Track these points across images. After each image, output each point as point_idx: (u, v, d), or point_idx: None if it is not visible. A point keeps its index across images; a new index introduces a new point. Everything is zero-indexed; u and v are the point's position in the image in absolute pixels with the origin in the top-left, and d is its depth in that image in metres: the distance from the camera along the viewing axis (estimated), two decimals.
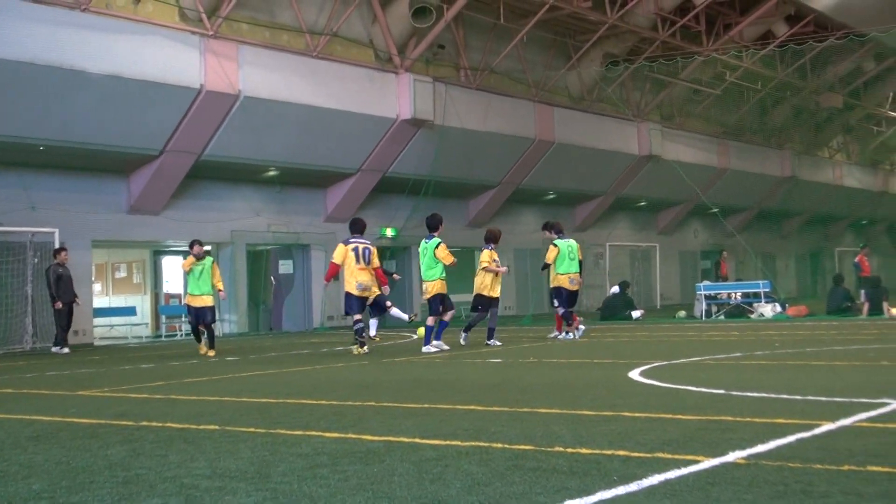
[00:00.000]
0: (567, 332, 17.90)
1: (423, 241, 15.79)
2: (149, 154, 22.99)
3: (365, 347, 15.57)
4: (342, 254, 15.53)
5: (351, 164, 27.10)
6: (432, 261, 15.59)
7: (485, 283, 16.49)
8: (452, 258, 15.71)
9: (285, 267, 28.57)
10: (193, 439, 6.51)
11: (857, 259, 27.37)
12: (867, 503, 3.98)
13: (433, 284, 15.58)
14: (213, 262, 17.47)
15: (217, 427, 7.06)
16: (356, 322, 15.57)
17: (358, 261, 15.49)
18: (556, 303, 17.91)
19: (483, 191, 32.29)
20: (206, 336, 17.36)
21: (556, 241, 17.87)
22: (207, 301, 17.28)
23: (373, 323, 20.29)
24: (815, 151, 48.39)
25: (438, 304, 15.68)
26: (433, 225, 15.93)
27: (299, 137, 25.01)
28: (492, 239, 16.83)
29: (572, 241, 18.15)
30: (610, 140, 34.46)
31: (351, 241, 15.71)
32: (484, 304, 16.56)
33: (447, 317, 15.88)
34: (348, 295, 15.56)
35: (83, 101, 20.73)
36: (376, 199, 29.61)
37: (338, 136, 25.74)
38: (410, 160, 27.95)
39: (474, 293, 16.66)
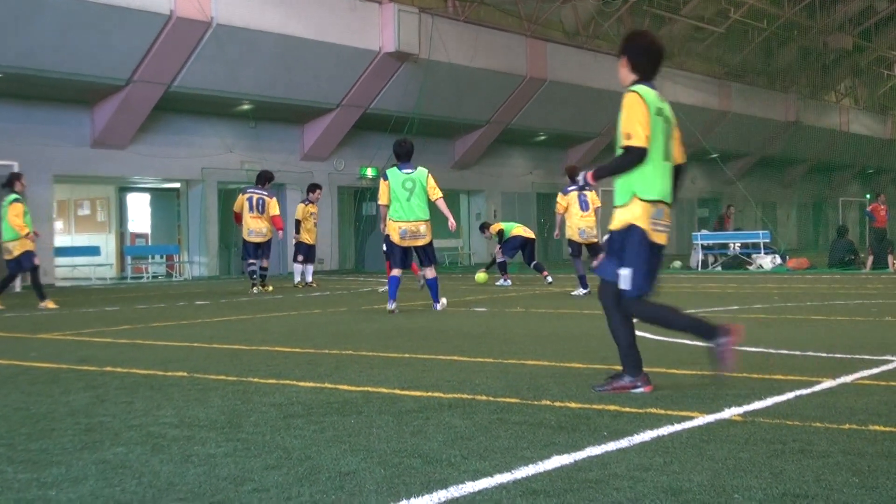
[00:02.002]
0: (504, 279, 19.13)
1: (397, 169, 12.90)
2: (114, 84, 22.78)
3: (254, 289, 18.32)
4: (239, 203, 18.74)
5: (330, 100, 26.94)
6: (424, 195, 12.95)
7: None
8: None
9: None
10: (160, 386, 6.51)
11: (869, 208, 27.47)
12: (868, 463, 4.01)
13: (427, 225, 13.04)
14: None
15: (185, 374, 7.07)
16: (249, 265, 18.66)
17: (252, 209, 18.44)
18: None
19: (470, 130, 32.17)
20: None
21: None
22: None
23: (308, 269, 20.48)
24: (822, 95, 48.37)
25: (430, 250, 13.35)
26: (408, 151, 12.99)
27: (275, 69, 24.82)
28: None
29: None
30: (605, 79, 34.29)
31: (248, 190, 18.76)
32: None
33: (431, 273, 13.40)
34: (244, 241, 18.68)
35: (43, 26, 20.47)
36: (356, 137, 29.49)
37: (316, 68, 25.55)
38: (393, 96, 27.80)
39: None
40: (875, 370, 6.61)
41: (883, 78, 52.22)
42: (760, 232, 26.26)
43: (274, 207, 18.68)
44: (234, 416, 5.36)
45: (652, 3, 34.07)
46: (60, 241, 27.09)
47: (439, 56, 28.05)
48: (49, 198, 23.81)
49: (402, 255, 13.00)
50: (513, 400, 5.69)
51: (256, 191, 18.76)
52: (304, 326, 11.11)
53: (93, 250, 26.75)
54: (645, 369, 6.06)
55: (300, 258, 20.41)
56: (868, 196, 47.77)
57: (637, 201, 5.88)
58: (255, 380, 6.71)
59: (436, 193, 12.98)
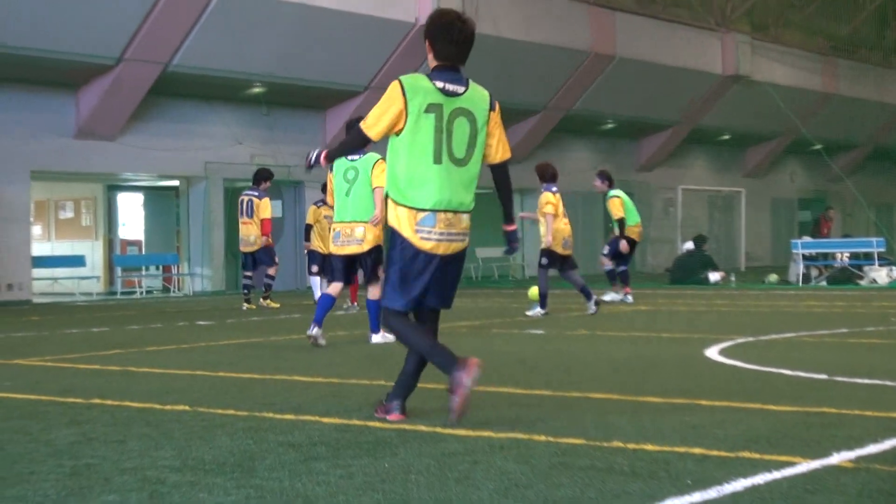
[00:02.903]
0: (625, 295, 19.18)
1: (347, 159, 11.65)
2: (102, 63, 22.99)
3: (244, 305, 19.12)
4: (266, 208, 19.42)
5: (357, 81, 27.03)
6: (368, 188, 11.61)
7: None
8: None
9: (273, 210, 28.59)
10: (158, 422, 6.55)
11: None
12: None
13: (374, 228, 11.61)
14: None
15: (188, 408, 7.11)
16: (242, 277, 19.88)
17: (241, 213, 19.23)
18: (605, 250, 19.69)
19: (523, 117, 32.16)
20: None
21: (615, 192, 19.15)
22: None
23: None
24: None
25: (373, 262, 11.75)
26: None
27: (292, 45, 24.94)
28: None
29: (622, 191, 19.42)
30: (686, 55, 34.17)
31: (243, 192, 19.60)
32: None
33: (378, 290, 11.50)
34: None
35: None
36: None
37: (341, 44, 25.64)
38: None
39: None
40: None
41: None
42: (874, 239, 26.03)
43: (264, 210, 19.24)
44: (246, 459, 5.38)
45: None
46: (39, 249, 27.37)
47: (486, 28, 28.05)
48: (25, 198, 24.06)
49: (342, 267, 11.78)
50: (577, 440, 5.68)
51: (248, 192, 19.49)
52: (326, 351, 11.13)
53: (77, 260, 27.01)
54: (736, 404, 6.03)
55: (314, 269, 20.31)
56: None
57: (393, 205, 6.39)
58: (270, 415, 6.74)
59: (377, 181, 11.41)
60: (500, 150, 6.62)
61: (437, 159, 6.33)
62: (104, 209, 28.94)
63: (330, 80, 26.52)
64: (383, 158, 10.52)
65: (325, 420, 6.49)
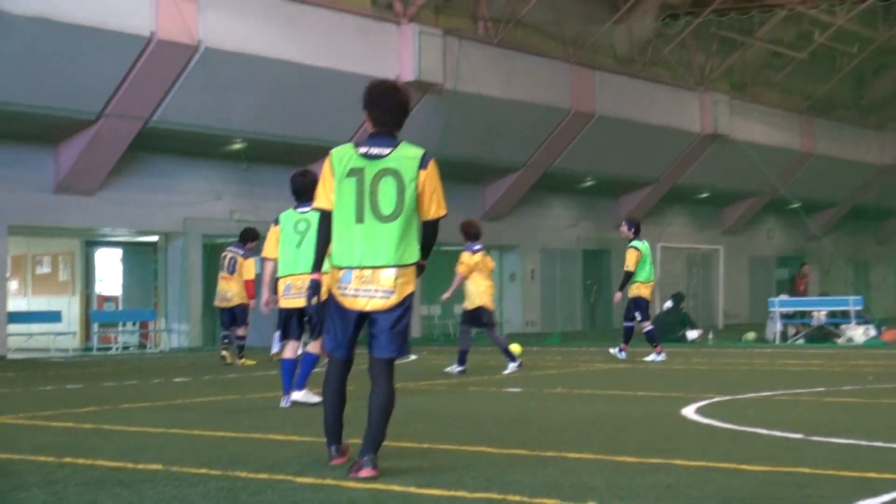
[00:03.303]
0: (658, 354, 18.72)
1: (293, 210, 11.77)
2: (83, 118, 23.00)
3: (223, 352, 19.36)
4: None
5: (338, 138, 26.81)
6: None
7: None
8: None
9: (254, 266, 28.60)
10: (130, 482, 6.51)
11: None
12: None
13: (325, 279, 11.53)
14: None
15: (161, 467, 7.07)
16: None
17: (222, 269, 19.37)
18: (638, 316, 18.62)
19: (503, 174, 32.27)
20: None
21: (636, 243, 18.35)
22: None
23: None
24: None
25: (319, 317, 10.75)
26: (308, 187, 11.28)
27: (273, 101, 25.01)
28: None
29: (646, 242, 18.75)
30: (665, 114, 34.41)
31: (228, 248, 19.76)
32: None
33: (316, 348, 11.19)
34: None
35: (1, 50, 20.75)
36: None
37: (322, 100, 25.74)
38: (413, 133, 27.49)
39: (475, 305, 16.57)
40: None
41: None
42: (851, 297, 26.12)
43: (248, 271, 19.32)
44: None
45: (721, 24, 34.24)
46: (15, 304, 27.21)
47: (467, 86, 28.22)
48: (2, 253, 23.96)
49: (296, 322, 11.37)
50: (552, 500, 5.67)
51: (232, 249, 19.63)
52: (303, 409, 11.09)
53: (53, 316, 26.86)
54: (711, 464, 6.03)
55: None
56: None
57: (328, 263, 6.99)
58: (244, 474, 6.70)
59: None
60: (432, 208, 6.95)
61: (360, 219, 6.81)
62: (82, 264, 28.83)
63: (311, 136, 26.54)
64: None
65: (299, 480, 6.47)
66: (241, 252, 19.42)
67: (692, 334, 26.40)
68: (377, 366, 6.85)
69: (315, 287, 7.12)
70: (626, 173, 35.25)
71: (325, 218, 7.01)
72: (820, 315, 25.80)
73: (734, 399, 11.43)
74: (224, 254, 19.68)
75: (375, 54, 26.25)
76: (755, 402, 11.23)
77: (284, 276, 11.30)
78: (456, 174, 30.50)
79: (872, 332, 24.65)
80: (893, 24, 38.66)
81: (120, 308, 29.04)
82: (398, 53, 26.69)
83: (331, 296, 6.93)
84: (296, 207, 11.56)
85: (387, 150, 6.88)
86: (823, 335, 25.10)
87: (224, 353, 19.41)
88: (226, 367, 18.73)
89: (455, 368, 16.24)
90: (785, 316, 26.14)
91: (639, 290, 18.42)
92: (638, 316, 18.60)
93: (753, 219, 43.27)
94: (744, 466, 6.72)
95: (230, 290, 19.31)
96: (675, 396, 11.73)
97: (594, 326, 36.74)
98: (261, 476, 6.62)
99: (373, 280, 6.76)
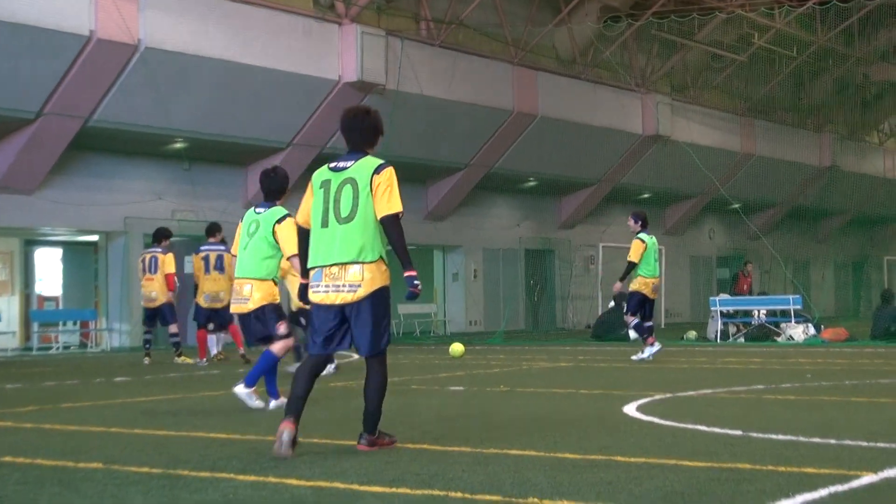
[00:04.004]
0: (645, 350, 18.22)
1: (252, 210, 11.36)
2: (21, 118, 22.78)
3: (145, 359, 19.66)
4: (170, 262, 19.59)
5: (280, 138, 27.01)
6: (270, 245, 10.91)
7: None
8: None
9: (190, 265, 28.43)
10: (70, 481, 6.47)
11: None
12: None
13: (265, 286, 10.92)
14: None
15: (101, 465, 7.03)
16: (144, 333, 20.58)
17: (144, 270, 19.55)
18: (625, 307, 18.39)
19: (446, 175, 32.32)
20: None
21: (643, 236, 17.99)
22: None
23: (216, 338, 20.46)
24: (862, 136, 48.89)
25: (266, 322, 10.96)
26: (277, 187, 11.35)
27: (214, 102, 24.90)
28: None
29: (654, 238, 18.35)
30: (607, 115, 34.59)
31: (144, 252, 20.10)
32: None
33: (282, 348, 10.92)
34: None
35: None
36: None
37: (263, 101, 25.65)
38: None
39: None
40: None
41: None
42: (790, 297, 26.33)
43: (168, 265, 19.60)
44: None
45: (662, 26, 34.46)
46: None
47: (410, 87, 28.23)
48: None
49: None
50: (493, 497, 5.68)
51: (150, 250, 19.95)
52: (245, 407, 11.04)
53: None
54: (652, 460, 6.07)
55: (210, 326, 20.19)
56: None
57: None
58: (185, 472, 6.67)
59: (289, 248, 10.53)
60: (382, 206, 7.57)
61: (325, 223, 7.61)
62: (21, 264, 28.55)
63: (252, 137, 26.47)
64: (291, 215, 10.40)
65: (241, 478, 6.44)
66: (161, 250, 19.67)
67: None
68: (367, 361, 7.71)
69: (303, 290, 7.79)
70: (569, 174, 35.41)
71: (301, 232, 7.87)
72: (760, 314, 26.03)
73: (675, 397, 11.51)
74: (143, 256, 19.93)
75: (317, 55, 26.20)
76: (696, 399, 11.31)
77: (263, 280, 10.92)
78: (399, 174, 30.36)
79: (812, 330, 24.91)
80: (831, 28, 39.07)
81: (60, 308, 28.78)
82: (340, 54, 26.64)
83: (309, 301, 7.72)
84: (255, 208, 11.27)
85: (350, 163, 7.70)
86: (763, 334, 25.32)
87: (148, 360, 19.66)
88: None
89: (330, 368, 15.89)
90: (725, 315, 26.35)
91: (639, 284, 18.03)
92: (625, 306, 18.23)
93: (694, 219, 43.60)
94: (684, 463, 6.77)
95: (154, 290, 19.47)
96: (616, 394, 11.79)
97: (537, 326, 36.87)
98: (202, 474, 6.59)
99: (340, 276, 7.50)
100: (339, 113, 23.58)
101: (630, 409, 10.06)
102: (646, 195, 40.11)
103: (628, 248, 18.37)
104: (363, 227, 7.54)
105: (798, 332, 24.68)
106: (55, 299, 29.08)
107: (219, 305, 18.75)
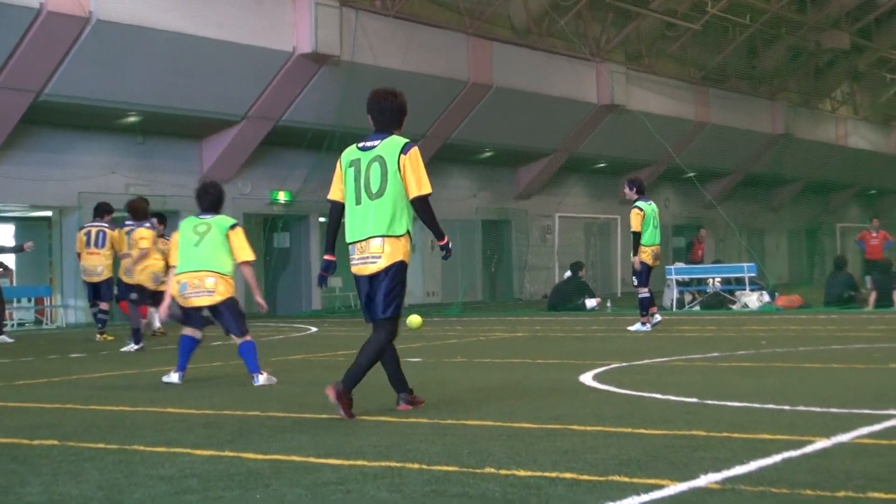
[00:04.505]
0: (644, 323, 17.75)
1: (195, 216, 11.57)
2: None
3: (98, 337, 19.33)
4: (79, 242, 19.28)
5: (234, 110, 26.87)
6: (226, 246, 11.25)
7: None
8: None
9: (146, 241, 28.25)
10: (25, 458, 6.43)
11: (858, 236, 27.89)
12: None
13: (228, 280, 11.33)
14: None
15: (56, 442, 7.00)
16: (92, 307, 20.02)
17: (89, 244, 19.06)
18: (636, 281, 17.76)
19: None
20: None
21: (640, 203, 17.63)
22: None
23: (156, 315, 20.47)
24: (815, 104, 49.20)
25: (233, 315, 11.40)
26: (215, 200, 11.62)
27: (168, 74, 24.71)
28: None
29: (654, 204, 17.94)
30: (562, 85, 34.61)
31: (85, 225, 19.59)
32: None
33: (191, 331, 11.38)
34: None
35: None
36: (266, 155, 29.41)
37: (217, 73, 25.49)
38: (310, 106, 27.79)
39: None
40: (876, 427, 6.71)
41: (885, 83, 53.17)
42: (745, 265, 26.56)
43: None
44: (115, 493, 5.31)
45: None
46: None
47: (364, 58, 28.12)
48: None
49: (199, 317, 11.40)
50: (450, 468, 5.69)
51: (95, 224, 19.42)
52: (201, 382, 11.03)
53: None
54: (608, 428, 6.11)
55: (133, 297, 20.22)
56: (870, 221, 48.71)
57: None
58: (141, 448, 6.65)
59: (242, 254, 11.19)
60: (413, 187, 8.06)
61: (358, 201, 8.11)
62: None
63: (206, 110, 26.31)
64: (239, 223, 11.22)
65: (197, 452, 6.42)
66: (107, 225, 19.30)
67: (591, 303, 26.65)
68: (375, 324, 8.25)
69: (327, 266, 8.38)
70: (525, 144, 35.43)
71: (334, 207, 8.32)
72: (715, 282, 26.20)
73: (631, 365, 11.57)
74: (89, 230, 19.29)
75: (272, 27, 26.05)
76: (651, 368, 11.37)
77: (180, 274, 11.10)
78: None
79: (766, 297, 25.08)
80: None
81: (13, 284, 28.53)
82: (294, 25, 26.49)
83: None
84: (198, 214, 11.47)
85: (377, 142, 8.22)
86: (718, 302, 25.50)
87: (100, 336, 19.41)
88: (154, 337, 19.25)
89: (132, 347, 16.30)
90: (681, 283, 26.50)
91: (641, 253, 17.53)
92: (636, 281, 17.71)
93: (650, 188, 43.63)
94: (640, 430, 6.81)
95: (100, 265, 19.09)
96: (573, 363, 11.84)
97: (494, 297, 36.96)
98: (158, 449, 6.57)
99: (366, 249, 8.05)
100: (293, 86, 23.80)
101: (586, 378, 10.10)
102: (601, 164, 40.23)
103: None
104: (392, 203, 8.02)
105: (753, 299, 24.85)
106: (9, 275, 28.83)
107: (96, 279, 19.05)
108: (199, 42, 24.56)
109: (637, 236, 17.43)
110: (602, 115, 36.46)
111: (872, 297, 23.44)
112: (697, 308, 25.57)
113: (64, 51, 22.74)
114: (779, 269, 47.79)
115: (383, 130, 8.39)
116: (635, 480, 5.22)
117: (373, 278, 8.12)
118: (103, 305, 19.51)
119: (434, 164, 33.85)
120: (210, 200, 11.48)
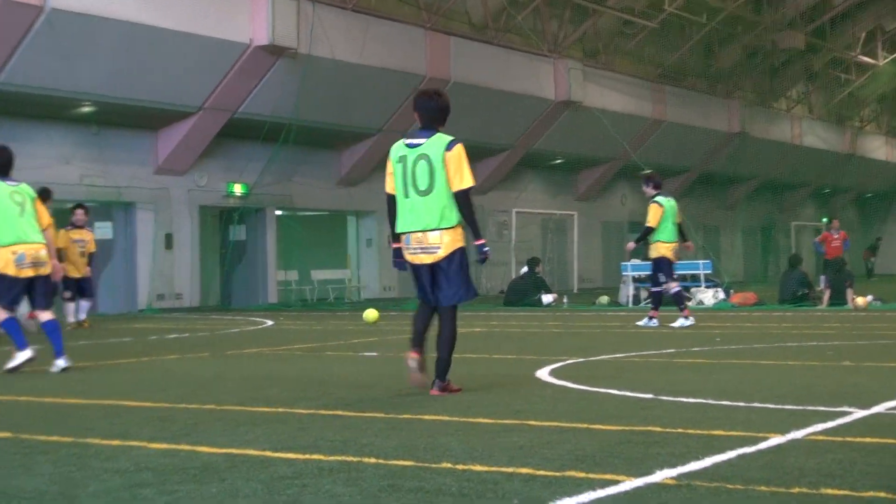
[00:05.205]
0: (687, 316, 17.61)
1: (4, 182, 11.71)
2: None
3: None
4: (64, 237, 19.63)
5: (190, 101, 26.72)
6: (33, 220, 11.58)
7: None
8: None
9: (102, 231, 28.09)
10: None
11: (819, 238, 28.08)
12: None
13: (48, 251, 11.57)
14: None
15: (9, 435, 6.94)
16: None
17: None
18: (661, 278, 17.59)
19: (360, 139, 32.19)
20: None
21: (660, 199, 17.39)
22: None
23: (83, 306, 20.49)
24: (770, 103, 49.56)
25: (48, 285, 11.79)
26: (6, 161, 12.04)
27: (123, 65, 24.54)
28: None
29: (673, 201, 17.68)
30: (519, 80, 34.66)
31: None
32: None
33: (48, 315, 11.62)
34: None
35: None
36: (222, 147, 29.27)
37: (173, 64, 25.34)
38: (267, 98, 27.69)
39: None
40: (830, 424, 6.76)
41: (840, 83, 53.67)
42: (700, 262, 26.67)
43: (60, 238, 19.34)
44: (68, 486, 5.27)
45: None
46: None
47: (322, 51, 28.05)
48: None
49: (24, 292, 11.50)
50: (407, 462, 5.69)
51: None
52: (157, 375, 10.97)
53: None
54: (564, 424, 6.12)
55: (67, 295, 20.41)
56: (825, 220, 49.11)
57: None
58: (95, 441, 6.60)
59: (47, 218, 11.67)
60: (455, 181, 8.66)
61: (406, 195, 8.71)
62: None
63: (162, 101, 26.16)
64: (42, 196, 11.90)
65: (152, 445, 6.39)
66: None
67: (547, 298, 26.71)
68: (442, 312, 8.77)
69: (399, 254, 8.88)
70: (482, 139, 35.39)
71: (391, 200, 8.87)
72: None
73: (587, 361, 11.61)
74: None
75: (229, 18, 25.94)
76: (607, 363, 11.41)
77: (12, 245, 11.19)
78: (313, 140, 30.38)
79: (721, 294, 25.25)
80: None
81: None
82: (252, 17, 26.38)
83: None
84: (3, 180, 11.62)
85: (423, 140, 8.76)
86: (674, 298, 25.61)
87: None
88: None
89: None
90: (637, 280, 26.61)
91: (660, 249, 17.26)
92: (661, 278, 17.56)
93: (607, 185, 43.93)
94: (595, 426, 6.83)
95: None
96: (529, 359, 11.87)
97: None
98: (113, 443, 6.52)
99: (423, 240, 8.66)
100: (250, 78, 23.79)
101: (543, 374, 10.13)
102: (558, 161, 40.33)
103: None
104: (439, 198, 8.60)
105: (708, 296, 25.01)
106: None
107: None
108: (155, 32, 24.40)
109: (649, 230, 17.24)
110: (559, 111, 36.56)
111: (827, 294, 23.64)
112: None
113: (17, 39, 22.53)
114: (734, 267, 48.12)
115: (429, 128, 8.91)
116: (591, 476, 5.23)
117: (435, 267, 8.68)
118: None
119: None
120: (2, 163, 11.72)
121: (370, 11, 29.86)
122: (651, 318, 17.88)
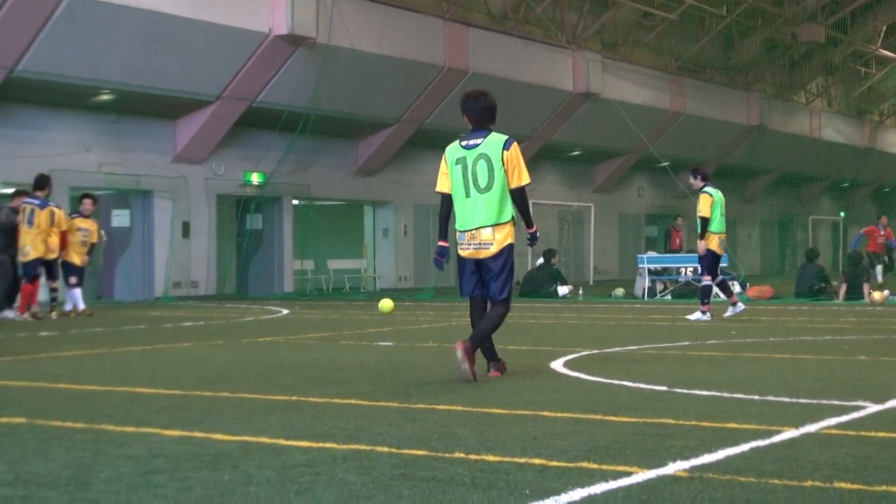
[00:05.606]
0: (704, 312, 17.38)
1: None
2: None
3: (52, 314, 19.66)
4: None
5: (208, 91, 26.74)
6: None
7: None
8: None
9: (120, 219, 28.15)
10: None
11: (865, 230, 27.88)
12: None
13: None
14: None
15: (24, 420, 6.96)
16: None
17: (24, 222, 18.96)
18: (700, 269, 17.55)
19: (377, 129, 32.19)
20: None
21: (709, 189, 17.36)
22: None
23: (76, 294, 20.55)
24: (790, 96, 49.36)
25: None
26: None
27: (142, 53, 24.57)
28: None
29: (720, 193, 17.65)
30: (538, 72, 34.60)
31: (26, 200, 19.21)
32: None
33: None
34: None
35: None
36: (240, 136, 29.30)
37: (192, 53, 25.36)
38: (285, 88, 27.69)
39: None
40: (844, 418, 6.75)
41: (860, 76, 53.42)
42: None
43: (60, 221, 19.53)
44: (82, 472, 5.28)
45: None
46: None
47: (340, 41, 28.04)
48: None
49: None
50: (420, 452, 5.69)
51: (29, 201, 19.29)
52: (172, 363, 11.00)
53: None
54: (578, 415, 6.12)
55: (73, 281, 20.51)
56: (842, 214, 48.90)
57: None
58: (109, 427, 6.62)
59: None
60: (514, 179, 9.16)
61: (467, 194, 9.18)
62: None
63: (181, 90, 26.19)
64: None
65: (166, 432, 6.40)
66: (38, 202, 19.19)
67: (563, 290, 26.68)
68: (492, 304, 9.23)
69: (442, 252, 9.44)
70: (500, 131, 35.15)
71: (445, 199, 9.40)
72: (686, 271, 26.27)
73: (602, 353, 11.60)
74: (23, 207, 19.25)
75: (248, 7, 25.94)
76: (622, 355, 11.40)
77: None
78: (330, 129, 30.38)
79: (737, 288, 25.16)
80: None
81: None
82: (271, 6, 26.38)
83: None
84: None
85: (479, 141, 9.23)
86: (690, 291, 25.55)
87: (55, 313, 19.81)
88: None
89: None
90: (653, 272, 26.57)
91: (710, 241, 17.20)
92: (699, 268, 17.34)
93: (624, 177, 43.84)
94: (609, 418, 6.82)
95: (27, 244, 19.01)
96: (544, 350, 11.87)
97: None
98: (127, 429, 6.54)
99: (477, 237, 9.09)
100: (268, 67, 23.84)
101: (557, 365, 10.13)
102: (576, 152, 40.26)
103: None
104: (499, 195, 9.08)
105: None
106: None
107: (25, 259, 19.05)
108: (175, 21, 24.43)
109: (705, 221, 17.12)
110: (577, 102, 36.49)
111: (843, 289, 23.57)
112: (669, 297, 25.64)
113: (38, 27, 22.58)
114: (750, 260, 47.97)
115: (481, 128, 9.34)
116: (604, 467, 5.23)
117: (485, 262, 9.12)
118: (53, 285, 19.98)
119: (408, 149, 33.91)
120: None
121: (389, 2, 29.82)
122: (703, 311, 17.45)
